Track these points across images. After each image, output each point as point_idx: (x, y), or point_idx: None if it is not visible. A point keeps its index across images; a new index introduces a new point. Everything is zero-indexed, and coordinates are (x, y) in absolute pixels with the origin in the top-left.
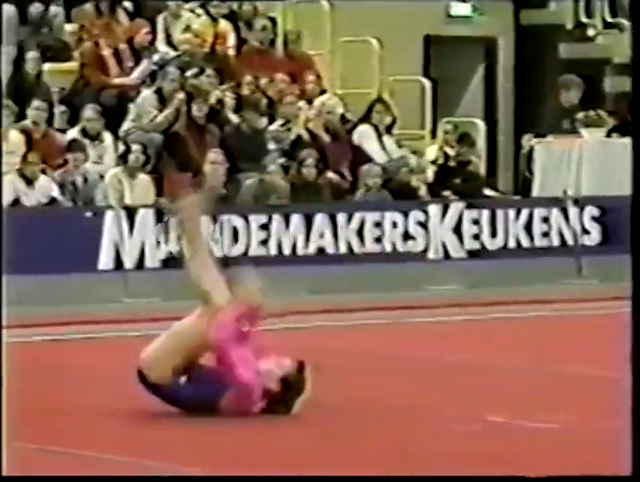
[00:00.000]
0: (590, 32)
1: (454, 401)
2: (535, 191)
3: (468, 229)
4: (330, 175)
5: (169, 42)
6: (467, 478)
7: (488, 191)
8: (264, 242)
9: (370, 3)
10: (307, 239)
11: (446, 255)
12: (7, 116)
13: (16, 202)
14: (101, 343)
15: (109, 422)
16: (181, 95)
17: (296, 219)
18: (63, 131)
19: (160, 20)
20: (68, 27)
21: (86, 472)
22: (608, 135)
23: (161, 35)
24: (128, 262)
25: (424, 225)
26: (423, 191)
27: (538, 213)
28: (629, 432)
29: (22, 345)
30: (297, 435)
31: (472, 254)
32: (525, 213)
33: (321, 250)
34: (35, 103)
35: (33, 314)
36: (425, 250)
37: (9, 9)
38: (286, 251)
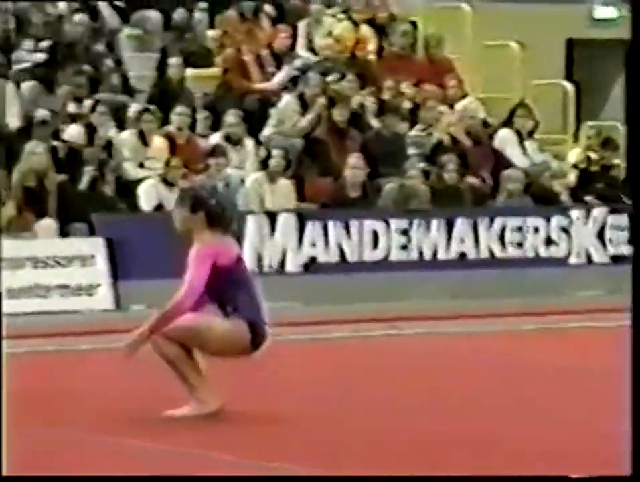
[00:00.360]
0: None
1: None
2: None
3: (611, 234)
4: (471, 179)
5: (311, 47)
6: (467, 478)
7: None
8: (405, 247)
9: (512, 6)
10: (448, 244)
11: (589, 260)
12: (150, 122)
13: (159, 207)
14: None
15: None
16: (322, 100)
17: (436, 224)
18: (206, 136)
19: (302, 25)
20: (211, 33)
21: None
22: None
23: (302, 41)
24: (269, 266)
25: (566, 230)
26: (565, 195)
27: None
28: (629, 432)
29: None
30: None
31: (615, 259)
32: None
33: (462, 255)
34: (179, 109)
35: None
36: (567, 255)
37: (154, 15)
38: (427, 256)
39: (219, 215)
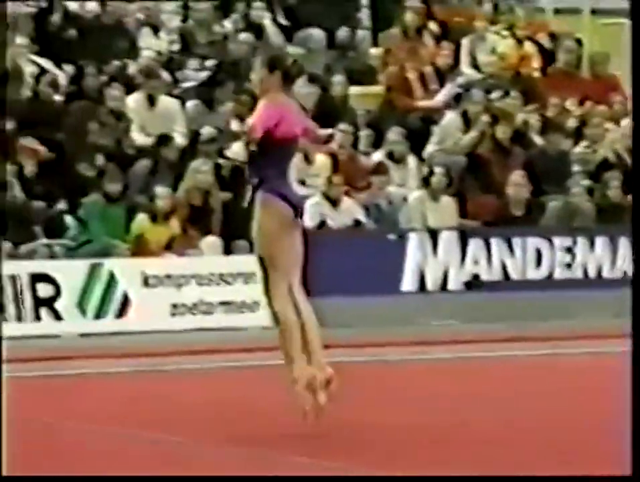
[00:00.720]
0: None
1: None
2: None
3: None
4: None
5: (474, 64)
6: (467, 478)
7: None
8: (569, 265)
9: None
10: (613, 262)
11: None
12: None
13: (322, 224)
14: (395, 366)
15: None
16: (485, 117)
17: (601, 242)
18: (368, 154)
19: (465, 42)
20: (374, 51)
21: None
22: None
23: (466, 58)
24: (431, 284)
25: None
26: None
27: None
28: (629, 432)
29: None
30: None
31: None
32: None
33: (626, 273)
34: (342, 126)
35: (337, 336)
36: None
37: (318, 33)
38: (592, 274)
39: (295, 75)
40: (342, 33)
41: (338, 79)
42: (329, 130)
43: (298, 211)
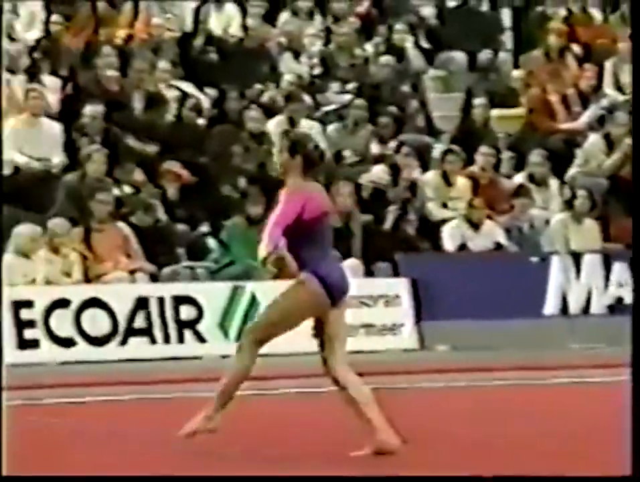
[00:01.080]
0: None
1: None
2: None
3: None
4: None
5: (618, 86)
6: (467, 478)
7: None
8: None
9: None
10: None
11: None
12: (454, 162)
13: (463, 247)
14: (545, 388)
15: None
16: (629, 139)
17: None
18: (510, 177)
19: (608, 64)
20: (516, 73)
21: None
22: None
23: (609, 79)
24: (574, 307)
25: None
26: None
27: None
28: (629, 432)
29: (464, 390)
30: None
31: None
32: None
33: None
34: (483, 149)
35: (479, 359)
36: None
37: (459, 56)
38: None
39: (316, 160)
40: (484, 55)
41: (479, 101)
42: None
43: (335, 298)
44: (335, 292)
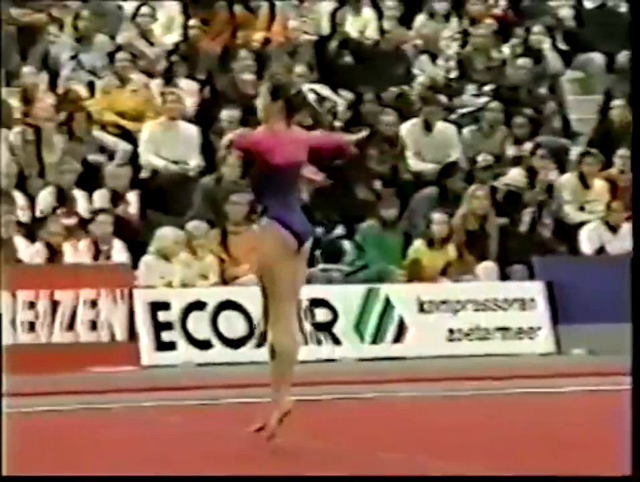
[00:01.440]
0: None
1: None
2: None
3: None
4: None
5: None
6: (467, 478)
7: None
8: None
9: None
10: None
11: None
12: (592, 164)
13: (601, 250)
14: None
15: None
16: None
17: None
18: None
19: None
20: None
21: None
22: None
23: None
24: None
25: None
26: None
27: None
28: (629, 432)
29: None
30: None
31: None
32: None
33: None
34: (621, 151)
35: (614, 363)
36: None
37: (597, 58)
38: None
39: (298, 105)
40: (622, 56)
41: (619, 103)
42: (360, 134)
43: (301, 241)
44: (301, 234)
